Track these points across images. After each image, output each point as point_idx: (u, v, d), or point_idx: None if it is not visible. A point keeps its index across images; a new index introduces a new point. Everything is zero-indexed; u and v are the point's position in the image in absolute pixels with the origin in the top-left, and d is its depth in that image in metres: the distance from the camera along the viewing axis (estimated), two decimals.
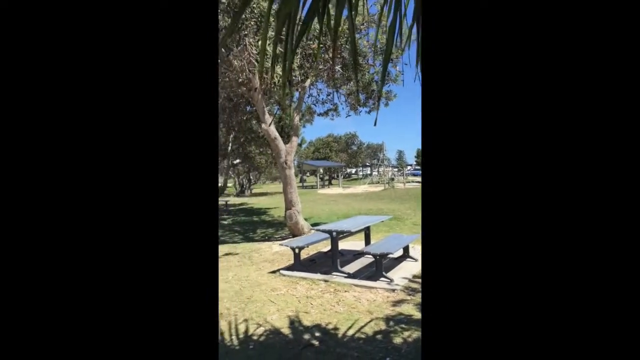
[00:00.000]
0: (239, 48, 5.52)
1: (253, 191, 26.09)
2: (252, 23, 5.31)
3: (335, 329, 2.92)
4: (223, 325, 3.08)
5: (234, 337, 2.84)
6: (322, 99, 9.83)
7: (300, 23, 1.23)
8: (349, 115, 11.74)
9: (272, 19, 2.95)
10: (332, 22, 1.19)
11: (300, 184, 27.78)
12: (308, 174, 34.67)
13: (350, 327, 2.94)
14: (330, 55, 6.54)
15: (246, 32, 5.38)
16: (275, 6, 2.38)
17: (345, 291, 3.84)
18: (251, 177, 27.09)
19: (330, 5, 1.25)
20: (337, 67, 7.30)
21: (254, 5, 5.33)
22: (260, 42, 5.31)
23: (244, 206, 16.19)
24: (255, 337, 2.82)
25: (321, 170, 29.40)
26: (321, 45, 1.81)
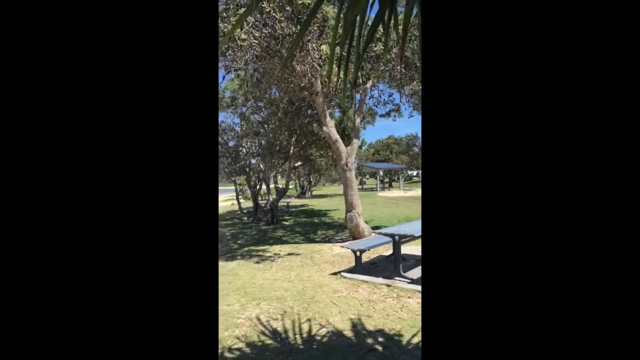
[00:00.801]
0: (302, 53, 5.65)
1: (313, 193, 26.51)
2: (315, 28, 5.40)
3: (399, 335, 2.85)
4: (287, 323, 3.16)
5: (297, 336, 2.89)
6: (384, 99, 9.70)
7: (368, 25, 1.22)
8: (412, 116, 11.48)
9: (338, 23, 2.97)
10: (401, 21, 1.17)
11: (360, 186, 27.59)
12: (368, 176, 34.36)
13: (415, 335, 2.85)
14: (392, 55, 6.43)
15: (309, 38, 5.49)
16: (336, 9, 2.40)
17: (409, 297, 3.73)
18: (311, 179, 27.53)
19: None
20: (400, 67, 7.15)
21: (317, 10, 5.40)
22: (323, 47, 5.38)
23: (304, 207, 16.51)
24: (318, 338, 2.85)
25: (381, 173, 28.96)
26: (384, 47, 1.79)
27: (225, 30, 5.03)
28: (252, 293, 4.06)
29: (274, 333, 2.96)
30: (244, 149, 12.19)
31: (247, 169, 12.41)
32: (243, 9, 5.06)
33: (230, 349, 2.70)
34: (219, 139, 11.72)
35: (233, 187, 14.95)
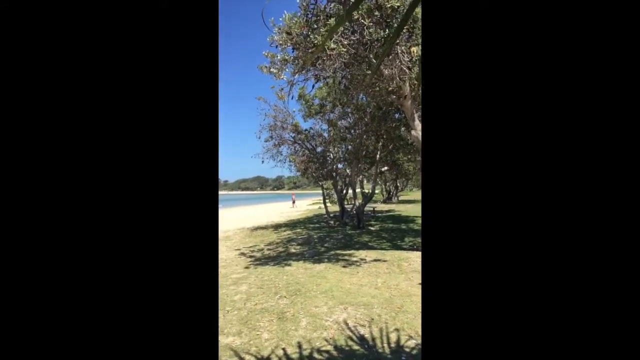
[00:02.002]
0: (391, 56, 5.58)
1: (400, 198, 25.85)
2: (405, 30, 5.29)
3: None
4: (375, 331, 3.12)
5: (385, 345, 2.84)
6: None
7: None
8: None
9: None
10: None
11: None
12: None
13: None
14: None
15: (398, 40, 5.40)
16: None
17: None
18: (398, 184, 26.89)
19: None
20: None
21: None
22: (413, 49, 5.24)
23: (391, 213, 16.18)
24: (407, 349, 2.76)
25: None
26: None
27: (316, 41, 5.21)
28: (340, 297, 4.10)
29: (361, 339, 2.95)
30: (331, 154, 12.44)
31: (334, 174, 12.64)
32: (332, 19, 5.18)
33: (319, 350, 2.76)
34: (307, 144, 12.15)
35: (320, 192, 15.36)
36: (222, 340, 2.99)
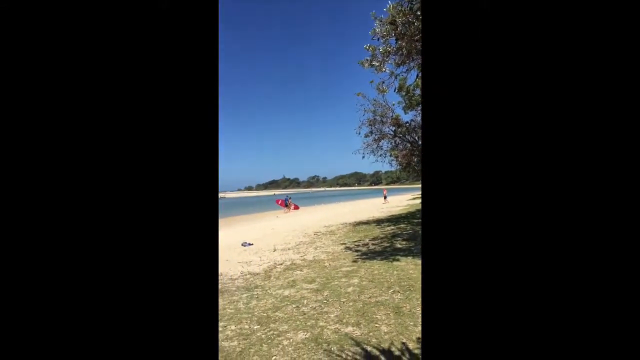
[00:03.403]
0: None
1: None
2: None
3: None
4: None
5: None
6: None
7: None
8: None
9: None
10: None
11: None
12: None
13: None
14: None
15: None
16: None
17: None
18: None
19: None
20: None
21: None
22: None
23: None
24: None
25: None
26: None
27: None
28: None
29: None
30: None
31: None
32: None
33: None
34: (408, 137, 11.79)
35: (420, 186, 14.77)
36: (342, 329, 3.08)
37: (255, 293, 4.33)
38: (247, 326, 3.24)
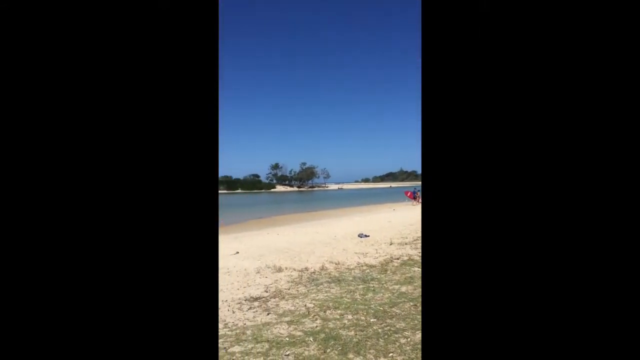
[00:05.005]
0: None
1: None
2: None
3: None
4: None
5: None
6: None
7: None
8: None
9: None
10: None
11: None
12: None
13: None
14: None
15: None
16: None
17: None
18: None
19: None
20: None
21: None
22: None
23: None
24: None
25: None
26: None
27: None
28: None
29: None
30: None
31: None
32: None
33: None
34: None
35: None
36: None
37: (372, 285, 4.31)
38: (363, 317, 3.25)
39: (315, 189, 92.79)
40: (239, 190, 76.79)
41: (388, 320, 3.16)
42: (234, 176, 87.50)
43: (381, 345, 2.69)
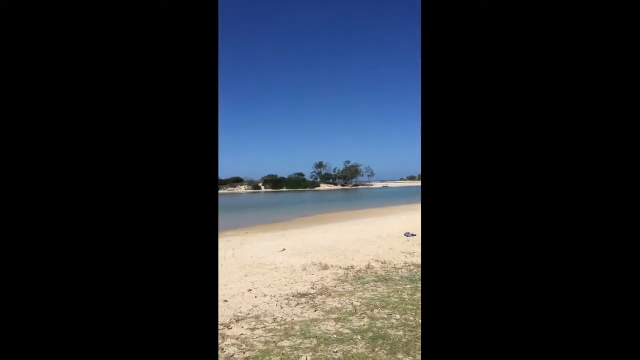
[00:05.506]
0: None
1: None
2: None
3: None
4: None
5: None
6: None
7: None
8: None
9: None
10: None
11: None
12: None
13: None
14: None
15: None
16: None
17: None
18: None
19: None
20: None
21: None
22: None
23: None
24: None
25: None
26: None
27: None
28: None
29: None
30: None
31: None
32: None
33: None
34: None
35: None
36: None
37: (420, 286, 4.21)
38: (412, 318, 3.18)
39: (360, 187, 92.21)
40: (284, 189, 78.29)
41: None
42: (279, 175, 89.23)
43: None
